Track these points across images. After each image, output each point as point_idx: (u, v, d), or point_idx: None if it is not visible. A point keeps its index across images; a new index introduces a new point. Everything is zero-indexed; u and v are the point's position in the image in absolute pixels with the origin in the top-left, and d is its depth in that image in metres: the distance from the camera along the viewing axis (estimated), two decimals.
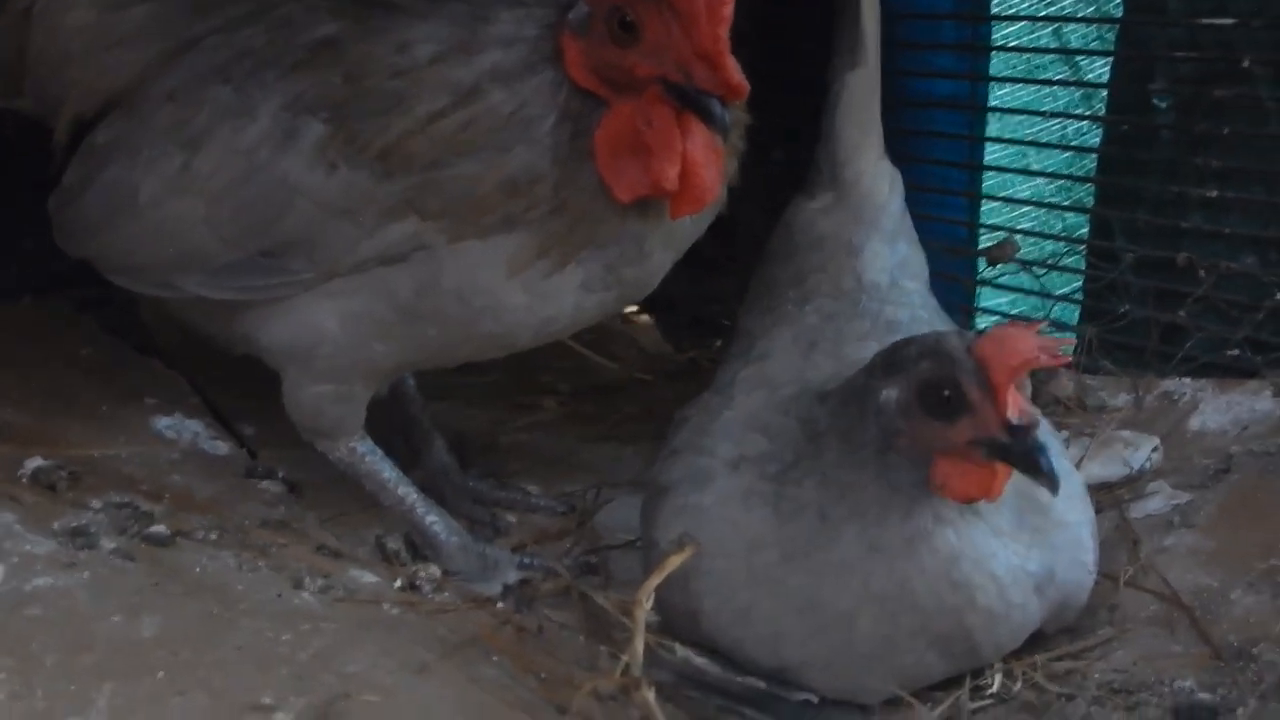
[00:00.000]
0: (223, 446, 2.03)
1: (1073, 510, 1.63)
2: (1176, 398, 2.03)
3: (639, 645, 1.39)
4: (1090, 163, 2.61)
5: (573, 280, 1.62)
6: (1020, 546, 1.54)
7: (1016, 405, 1.39)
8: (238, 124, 1.65)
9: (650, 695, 1.32)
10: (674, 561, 1.52)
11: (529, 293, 1.62)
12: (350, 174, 1.59)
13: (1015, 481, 1.45)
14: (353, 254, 1.62)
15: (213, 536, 1.71)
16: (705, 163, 1.53)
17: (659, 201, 1.57)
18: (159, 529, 1.67)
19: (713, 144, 1.53)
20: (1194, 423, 1.97)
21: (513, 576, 1.76)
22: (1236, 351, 2.06)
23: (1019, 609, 1.53)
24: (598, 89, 1.55)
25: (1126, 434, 1.99)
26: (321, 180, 1.61)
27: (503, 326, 1.66)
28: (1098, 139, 2.74)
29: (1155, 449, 1.93)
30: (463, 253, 1.59)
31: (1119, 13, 2.81)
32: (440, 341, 1.69)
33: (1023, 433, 1.38)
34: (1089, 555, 1.63)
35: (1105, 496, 1.87)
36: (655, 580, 1.49)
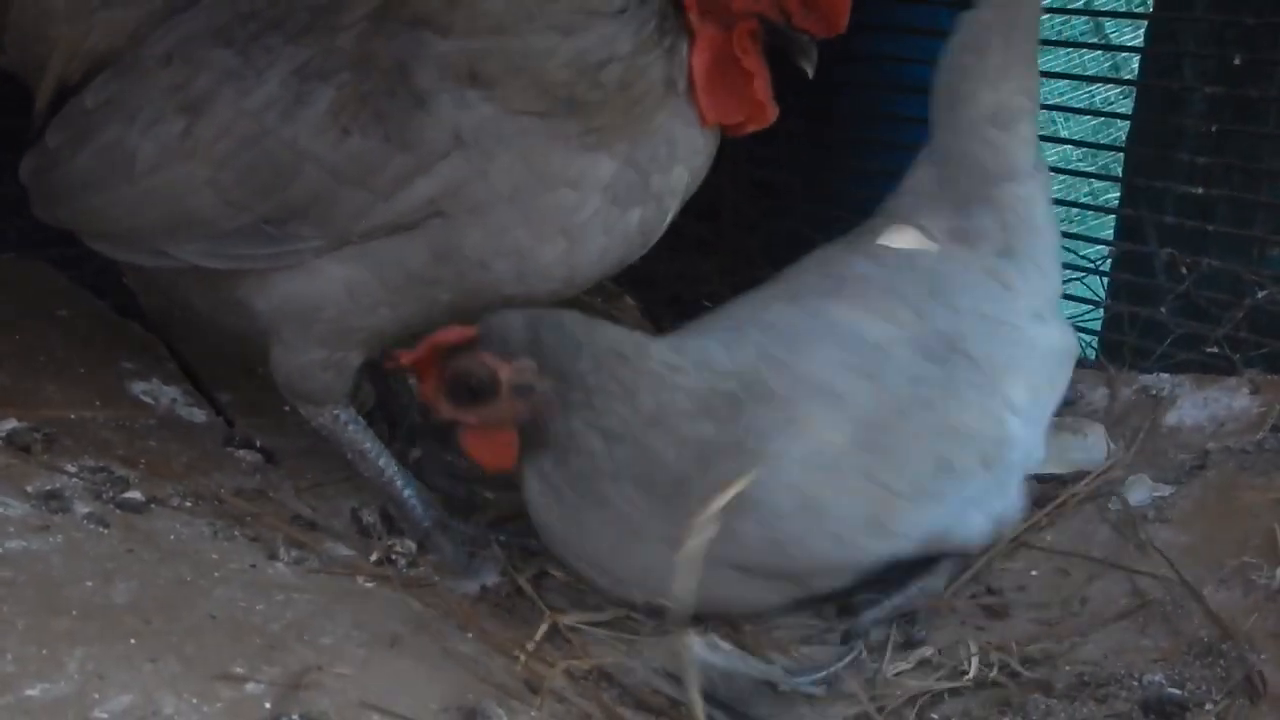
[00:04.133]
0: (199, 413, 2.01)
1: None
2: (1154, 392, 2.04)
3: (689, 584, 1.33)
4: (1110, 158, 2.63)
5: (604, 172, 1.62)
6: None
7: None
8: (243, 87, 1.63)
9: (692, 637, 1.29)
10: (740, 485, 1.46)
11: (567, 236, 1.63)
12: (362, 141, 1.58)
13: None
14: (365, 220, 1.61)
15: (188, 504, 1.70)
16: (768, 84, 1.66)
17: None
18: (134, 495, 1.66)
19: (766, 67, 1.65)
20: (1171, 418, 1.99)
21: (491, 579, 1.74)
22: (1215, 349, 2.07)
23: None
24: (691, 8, 1.62)
25: (1068, 420, 1.99)
26: (332, 145, 1.59)
27: (525, 286, 1.66)
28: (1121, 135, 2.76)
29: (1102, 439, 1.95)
30: (490, 216, 1.61)
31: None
32: (449, 304, 1.69)
33: None
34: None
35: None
36: (719, 504, 1.41)
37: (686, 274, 2.72)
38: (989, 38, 1.83)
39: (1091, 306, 2.44)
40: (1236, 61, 2.25)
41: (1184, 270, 2.17)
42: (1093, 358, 2.27)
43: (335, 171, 1.60)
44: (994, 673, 1.56)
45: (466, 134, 1.58)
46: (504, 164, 1.59)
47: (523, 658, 1.52)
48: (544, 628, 1.59)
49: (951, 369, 1.67)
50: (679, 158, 1.67)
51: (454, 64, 1.57)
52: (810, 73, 1.64)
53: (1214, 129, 2.24)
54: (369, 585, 1.64)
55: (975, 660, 1.58)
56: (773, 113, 1.68)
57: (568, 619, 1.63)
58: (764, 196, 2.83)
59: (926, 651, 1.62)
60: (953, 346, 1.68)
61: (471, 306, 1.71)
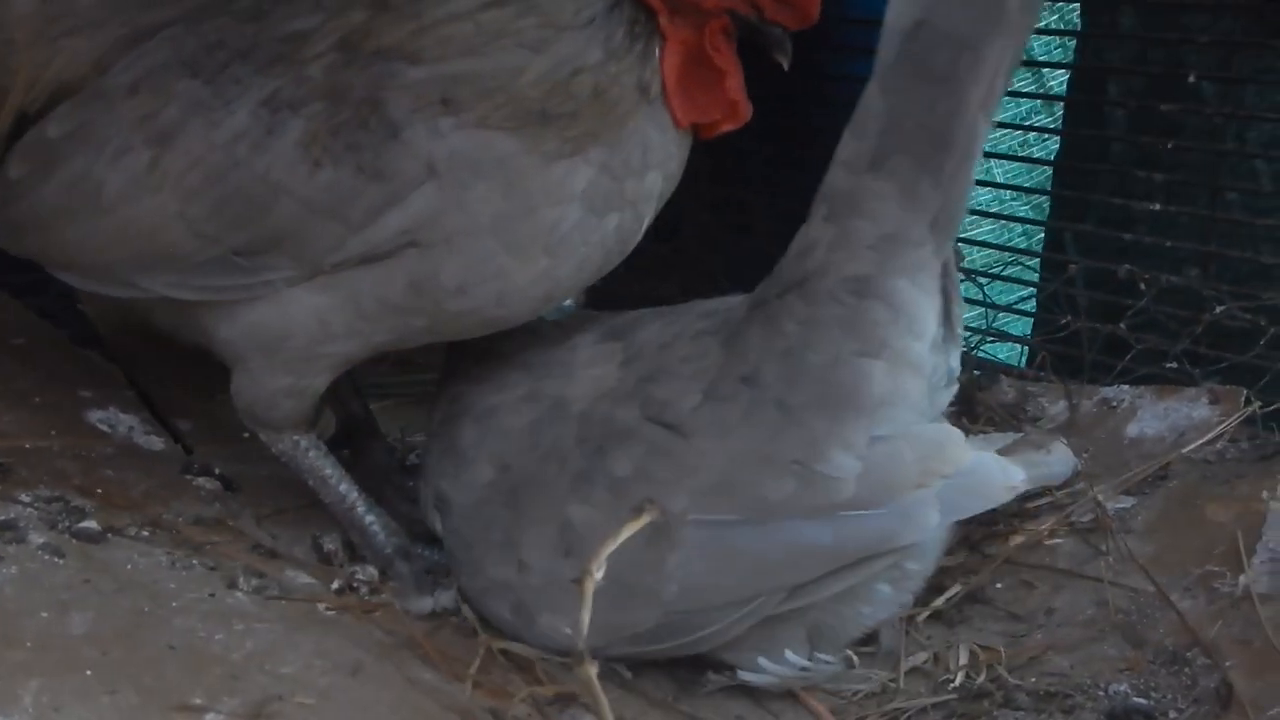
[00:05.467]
0: (157, 442, 1.99)
1: None
2: (1115, 404, 2.05)
3: (585, 618, 1.29)
4: (1044, 174, 2.65)
5: (579, 181, 1.61)
6: None
7: None
8: (212, 118, 1.62)
9: (593, 672, 1.27)
10: (635, 526, 1.40)
11: (550, 255, 1.63)
12: (335, 172, 1.57)
13: None
14: (339, 251, 1.60)
15: (145, 533, 1.68)
16: (742, 82, 1.66)
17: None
18: (90, 524, 1.63)
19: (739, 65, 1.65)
20: (1131, 429, 2.00)
21: (446, 602, 1.72)
22: (1175, 364, 2.09)
23: None
24: (660, 11, 1.62)
25: (1032, 435, 1.99)
26: (305, 178, 1.58)
27: (505, 308, 1.66)
28: (1047, 151, 2.79)
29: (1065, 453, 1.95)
30: (469, 241, 1.59)
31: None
32: (424, 329, 1.68)
33: None
34: None
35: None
36: (611, 546, 1.35)
37: (649, 295, 2.71)
38: None
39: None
40: (1191, 79, 2.28)
41: (1142, 286, 2.19)
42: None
43: (308, 203, 1.59)
44: (980, 681, 1.56)
45: (440, 164, 1.57)
46: (480, 194, 1.59)
47: (469, 685, 1.50)
48: (480, 653, 1.57)
49: None
50: (652, 163, 1.67)
51: (425, 92, 1.57)
52: (786, 65, 1.64)
53: (1170, 145, 2.27)
54: (330, 613, 1.62)
55: (961, 673, 1.59)
56: (746, 111, 1.68)
57: (508, 645, 1.61)
58: (727, 216, 2.84)
59: (921, 657, 1.63)
60: None
61: (448, 330, 1.71)
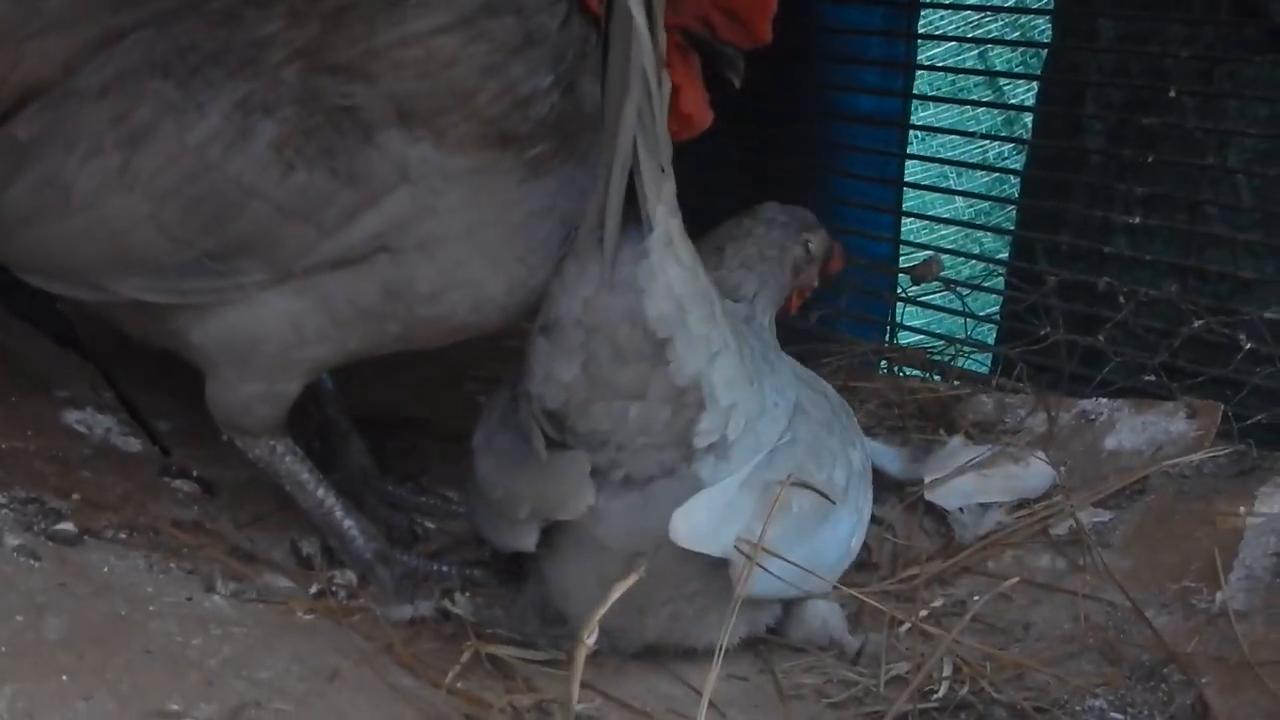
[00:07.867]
0: (135, 443, 1.98)
1: None
2: (1093, 417, 2.06)
3: (574, 689, 1.30)
4: (1012, 185, 2.67)
5: (546, 196, 1.61)
6: None
7: None
8: (184, 121, 1.60)
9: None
10: (623, 587, 1.41)
11: (524, 263, 1.62)
12: (308, 176, 1.56)
13: None
14: (311, 255, 1.59)
15: (122, 536, 1.66)
16: (698, 95, 1.65)
17: None
18: (67, 527, 1.62)
19: (699, 73, 1.64)
20: (1109, 442, 2.01)
21: (425, 610, 1.71)
22: (1153, 377, 2.10)
23: None
24: None
25: (1010, 448, 2.01)
26: (277, 181, 1.57)
27: (479, 315, 1.65)
28: (1020, 162, 2.80)
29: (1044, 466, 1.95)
30: (439, 249, 1.59)
31: (1044, 37, 2.88)
32: (398, 336, 1.67)
33: None
34: None
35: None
36: (600, 611, 1.36)
37: None
38: None
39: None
40: (1172, 94, 2.30)
41: (1121, 299, 2.20)
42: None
43: (280, 207, 1.58)
44: (962, 693, 1.56)
45: (414, 171, 1.57)
46: (452, 202, 1.58)
47: (446, 687, 1.49)
48: (467, 654, 1.56)
49: None
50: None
51: (381, 107, 1.56)
52: (737, 84, 1.63)
53: (1150, 158, 2.28)
54: (308, 618, 1.61)
55: (945, 684, 1.58)
56: (702, 122, 1.65)
57: (496, 649, 1.60)
58: (703, 224, 2.84)
59: (903, 667, 1.62)
60: None
61: (421, 336, 1.70)
